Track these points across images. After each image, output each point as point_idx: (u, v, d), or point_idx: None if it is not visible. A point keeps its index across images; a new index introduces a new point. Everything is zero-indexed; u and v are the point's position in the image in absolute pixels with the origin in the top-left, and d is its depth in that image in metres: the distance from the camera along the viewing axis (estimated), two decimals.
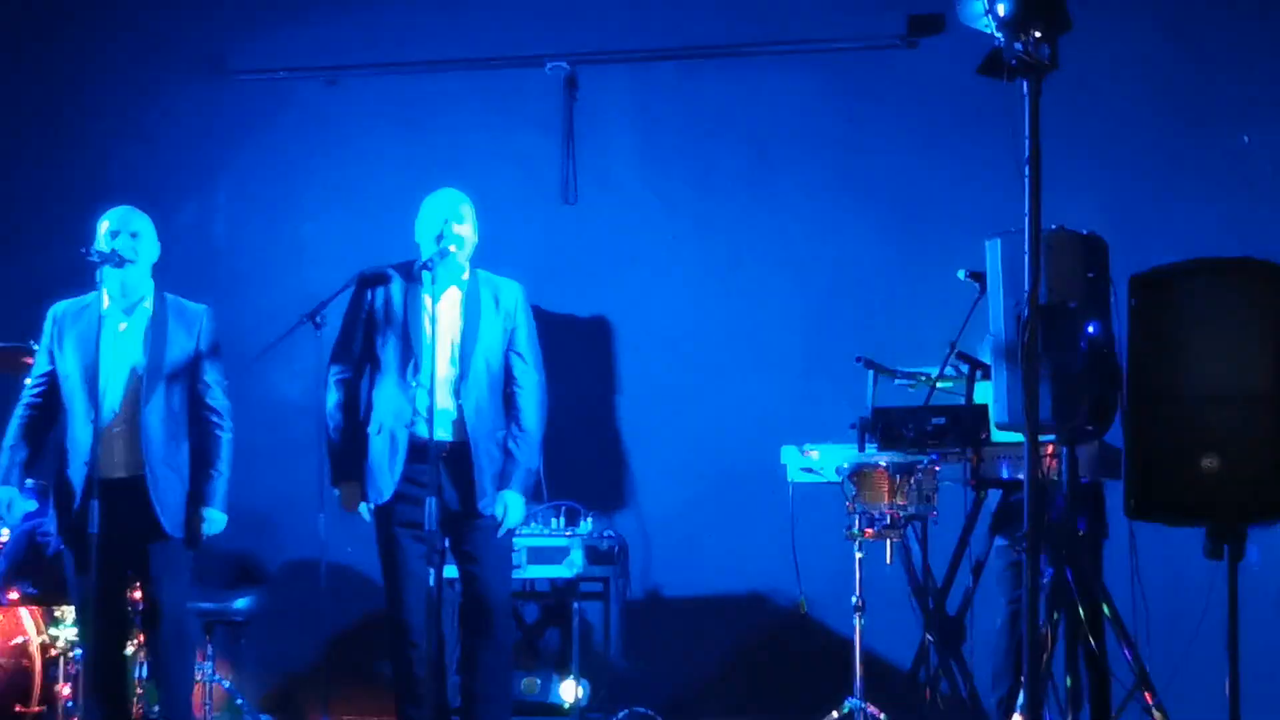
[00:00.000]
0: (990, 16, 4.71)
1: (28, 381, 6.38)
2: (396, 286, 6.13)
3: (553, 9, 8.41)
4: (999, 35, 4.71)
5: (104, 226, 6.22)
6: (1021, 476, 5.13)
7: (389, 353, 6.15)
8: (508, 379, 6.24)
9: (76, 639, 6.88)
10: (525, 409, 6.21)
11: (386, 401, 6.15)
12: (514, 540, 6.49)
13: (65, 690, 6.98)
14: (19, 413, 6.31)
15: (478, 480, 6.08)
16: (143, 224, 6.26)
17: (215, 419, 6.28)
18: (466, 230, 6.20)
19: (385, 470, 6.12)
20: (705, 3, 8.29)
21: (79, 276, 6.22)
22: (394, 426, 6.11)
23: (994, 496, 6.43)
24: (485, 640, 6.16)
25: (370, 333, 6.23)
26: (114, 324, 6.19)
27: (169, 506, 6.13)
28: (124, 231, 6.19)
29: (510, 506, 6.14)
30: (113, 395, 6.14)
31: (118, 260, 6.10)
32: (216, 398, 6.30)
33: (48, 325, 6.30)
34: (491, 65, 8.44)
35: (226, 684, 7.54)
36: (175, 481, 6.17)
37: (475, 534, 6.14)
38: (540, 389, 6.28)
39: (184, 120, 8.71)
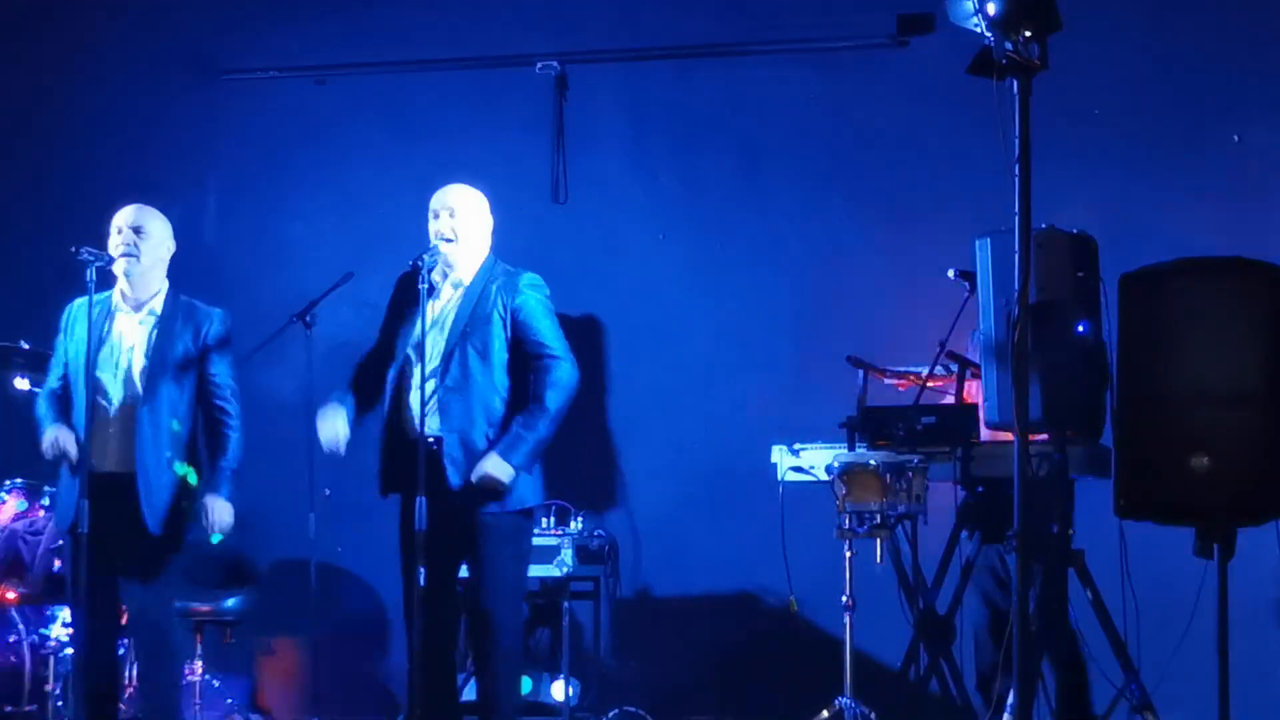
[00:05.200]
0: (980, 16, 4.71)
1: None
2: (414, 286, 6.07)
3: (542, 8, 8.41)
4: (989, 35, 4.71)
5: (112, 223, 6.23)
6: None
7: (397, 352, 6.13)
8: (523, 368, 6.15)
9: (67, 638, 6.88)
10: (541, 388, 6.05)
11: (390, 400, 6.14)
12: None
13: (55, 689, 6.98)
14: (43, 395, 6.31)
15: (449, 475, 6.01)
16: (149, 220, 6.25)
17: (225, 419, 6.28)
18: (459, 224, 6.16)
19: (383, 466, 6.10)
20: (695, 2, 8.29)
21: (69, 277, 6.21)
22: (390, 424, 6.09)
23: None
24: (486, 646, 6.11)
25: (395, 328, 6.22)
26: (120, 320, 6.19)
27: (156, 506, 6.10)
28: (126, 227, 6.19)
29: (486, 462, 5.95)
30: (113, 391, 6.13)
31: (108, 260, 6.10)
32: (226, 398, 6.29)
33: (63, 320, 6.29)
34: (481, 65, 8.44)
35: (216, 683, 7.54)
36: (169, 481, 6.15)
37: (470, 538, 6.08)
38: (556, 371, 6.06)
39: (173, 120, 8.70)
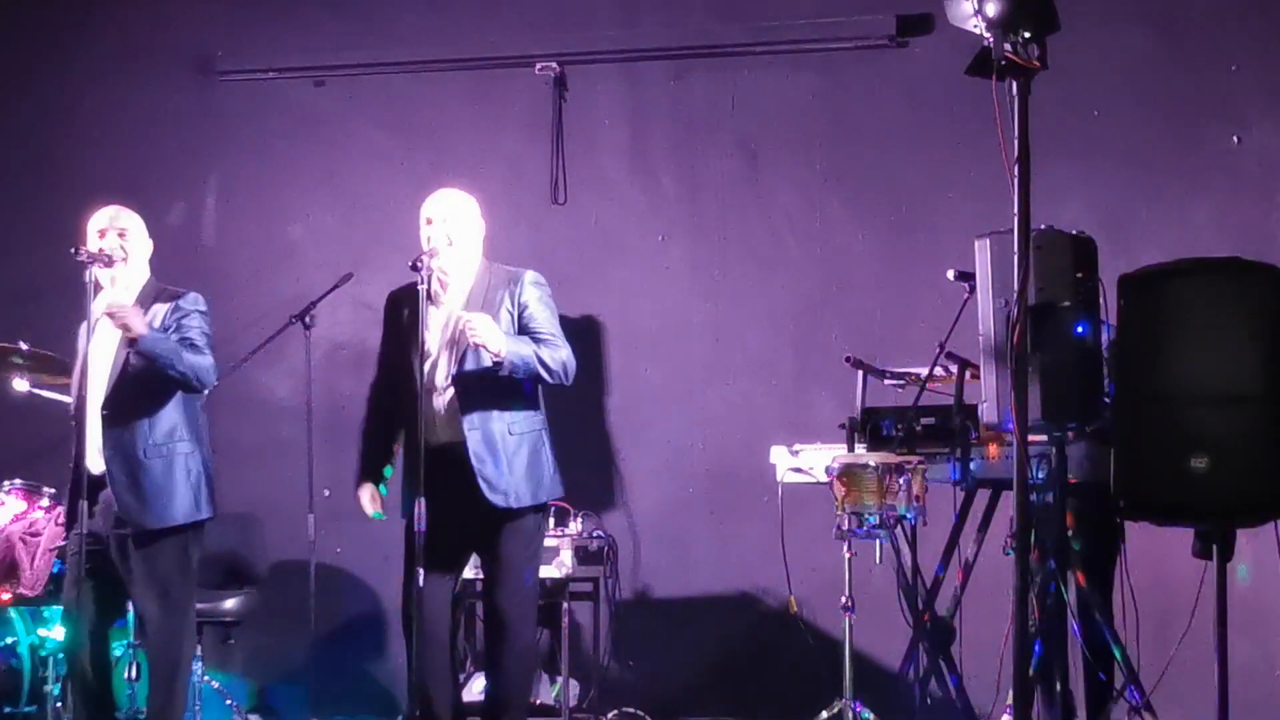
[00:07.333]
0: (979, 17, 4.71)
1: None
2: (413, 297, 6.06)
3: (541, 9, 8.41)
4: (988, 35, 4.71)
5: (92, 227, 6.20)
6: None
7: (409, 366, 6.10)
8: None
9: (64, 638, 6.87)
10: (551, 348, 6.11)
11: (403, 412, 6.12)
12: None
13: (54, 690, 6.98)
14: None
15: (478, 473, 6.00)
16: (130, 221, 6.24)
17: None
18: (453, 229, 6.14)
19: (406, 480, 6.08)
20: (695, 2, 8.29)
21: (67, 277, 6.20)
22: (409, 435, 6.07)
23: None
24: (501, 645, 6.09)
25: (395, 346, 6.21)
26: (107, 320, 6.17)
27: (158, 499, 6.07)
28: (111, 230, 6.17)
29: (487, 322, 5.91)
30: (104, 388, 6.11)
31: (106, 260, 6.08)
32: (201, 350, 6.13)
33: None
34: (480, 65, 8.44)
35: (216, 684, 7.53)
36: (164, 471, 6.12)
37: (489, 537, 6.07)
38: (563, 349, 6.09)
39: (172, 121, 8.70)
